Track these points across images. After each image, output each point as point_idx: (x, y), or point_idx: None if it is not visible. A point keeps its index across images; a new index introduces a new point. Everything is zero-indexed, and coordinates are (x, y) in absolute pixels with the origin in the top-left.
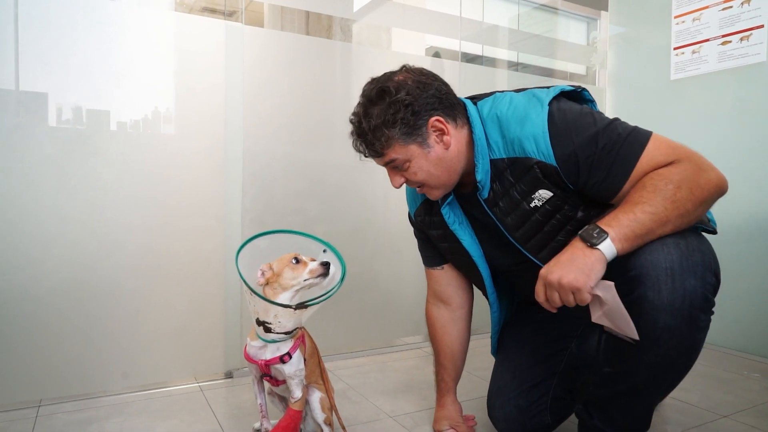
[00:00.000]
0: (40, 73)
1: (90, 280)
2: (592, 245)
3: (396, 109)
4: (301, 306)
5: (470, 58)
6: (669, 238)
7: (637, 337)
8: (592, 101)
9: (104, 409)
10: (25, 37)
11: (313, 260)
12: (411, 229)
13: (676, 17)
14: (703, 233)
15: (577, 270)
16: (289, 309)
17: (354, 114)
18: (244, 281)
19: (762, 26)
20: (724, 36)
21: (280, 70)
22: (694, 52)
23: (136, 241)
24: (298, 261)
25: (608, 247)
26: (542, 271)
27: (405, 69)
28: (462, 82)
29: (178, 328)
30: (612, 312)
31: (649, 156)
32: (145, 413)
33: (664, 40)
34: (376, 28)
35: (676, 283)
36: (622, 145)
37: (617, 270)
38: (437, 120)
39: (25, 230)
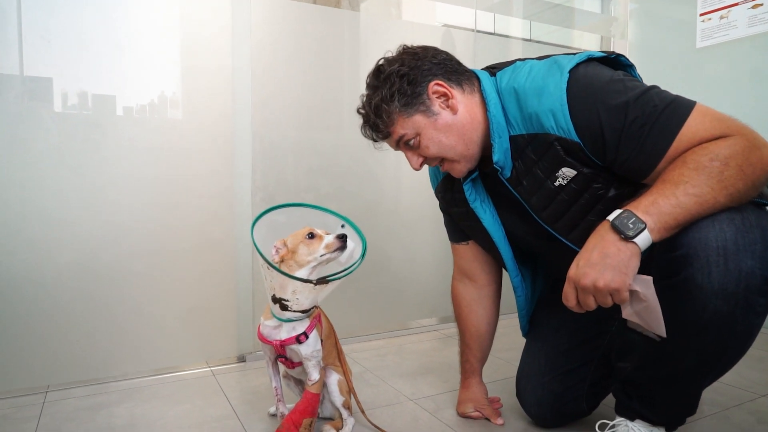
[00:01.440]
0: (45, 57)
1: (97, 263)
2: (627, 238)
3: (392, 82)
4: (322, 281)
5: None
6: (722, 213)
7: (665, 335)
8: (630, 66)
9: (114, 394)
10: (28, 21)
11: (329, 234)
12: (423, 209)
13: None
14: (762, 206)
15: (613, 270)
16: (309, 284)
17: (359, 105)
18: (261, 254)
19: None
20: None
21: (288, 41)
22: (722, 17)
23: (143, 223)
24: (313, 236)
25: (645, 240)
26: (571, 273)
27: (403, 48)
28: (476, 55)
29: (189, 311)
30: (647, 308)
31: (690, 131)
32: (157, 398)
33: (690, 5)
34: None
35: (729, 265)
36: (658, 117)
37: (659, 247)
38: (437, 84)
39: (30, 215)
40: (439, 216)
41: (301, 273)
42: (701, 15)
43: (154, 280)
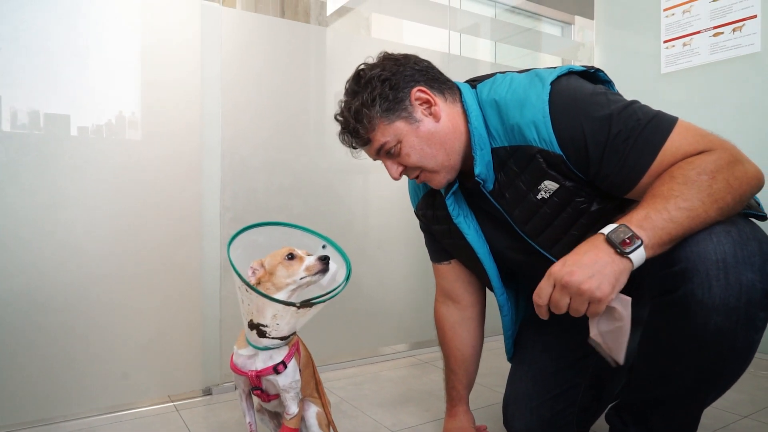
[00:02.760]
0: None
1: (46, 289)
2: (622, 253)
3: (373, 87)
4: (307, 304)
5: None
6: (717, 226)
7: (622, 363)
8: (609, 82)
9: None
10: None
11: (311, 255)
12: (393, 230)
13: (665, 9)
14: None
15: (602, 278)
16: (291, 308)
17: (338, 111)
18: (239, 275)
19: (755, 16)
20: (715, 27)
21: (258, 55)
22: (685, 44)
23: (100, 247)
24: (293, 257)
25: (640, 257)
26: (554, 269)
27: (384, 54)
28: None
29: (149, 340)
30: (617, 330)
31: (673, 146)
32: None
33: (654, 33)
34: (355, 14)
35: (730, 278)
36: (641, 131)
37: (655, 263)
38: (420, 90)
39: None
40: (411, 237)
41: (279, 296)
42: (665, 42)
43: (111, 307)
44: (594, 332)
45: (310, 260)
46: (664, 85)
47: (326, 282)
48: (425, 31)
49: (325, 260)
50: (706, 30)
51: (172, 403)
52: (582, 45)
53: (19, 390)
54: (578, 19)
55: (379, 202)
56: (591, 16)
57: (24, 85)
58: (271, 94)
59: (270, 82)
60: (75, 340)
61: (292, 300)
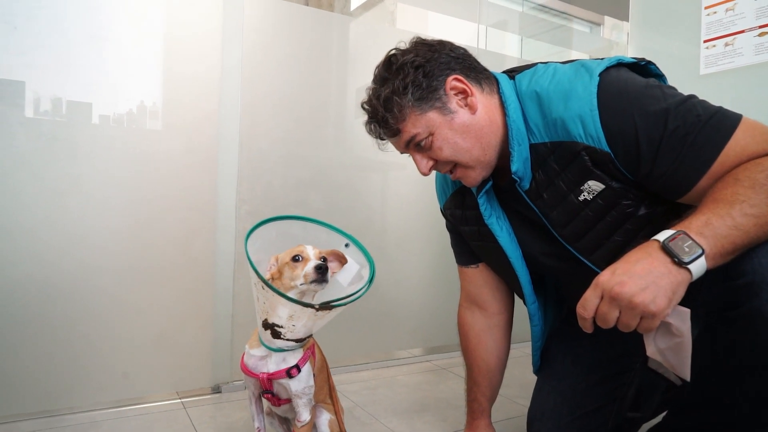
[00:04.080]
0: (18, 60)
1: (54, 278)
2: (681, 263)
3: (405, 73)
4: (326, 306)
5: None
6: None
7: (689, 379)
8: (661, 76)
9: (67, 429)
10: (1, 21)
11: (324, 257)
12: (413, 228)
13: (707, 7)
14: None
15: (658, 290)
16: (310, 309)
17: (365, 99)
18: (256, 271)
19: None
20: (761, 27)
21: (281, 44)
22: (727, 44)
23: (112, 236)
24: (298, 259)
25: (700, 267)
26: (602, 279)
27: (417, 39)
28: None
29: (159, 335)
30: (677, 346)
31: (738, 145)
32: None
33: (693, 32)
34: (380, 9)
35: None
36: (701, 128)
37: (714, 274)
38: (455, 79)
39: None
40: (431, 237)
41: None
42: (705, 42)
43: (120, 300)
44: (651, 350)
45: (308, 267)
46: (702, 87)
47: (347, 282)
48: (452, 23)
49: (320, 270)
50: (750, 29)
51: (179, 400)
52: (615, 43)
53: (23, 381)
54: (608, 19)
55: (398, 199)
56: (622, 16)
57: (48, 72)
58: (292, 85)
59: (291, 74)
60: (82, 332)
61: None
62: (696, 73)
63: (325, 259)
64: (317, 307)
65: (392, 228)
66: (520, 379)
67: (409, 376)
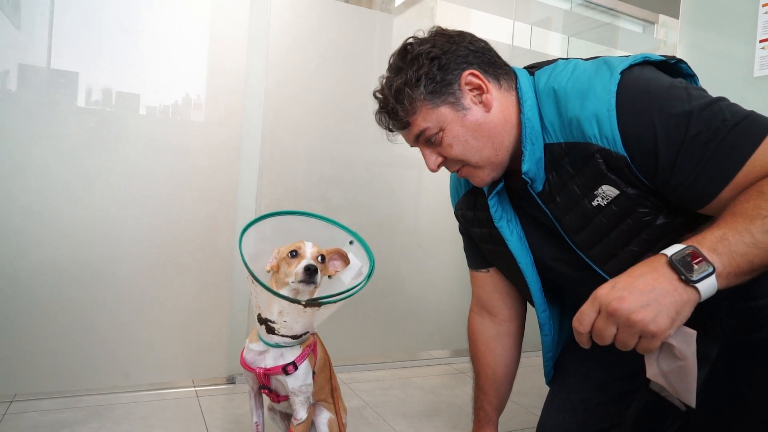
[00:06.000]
0: (73, 52)
1: (78, 262)
2: (688, 281)
3: (419, 64)
4: (313, 303)
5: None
6: None
7: (693, 405)
8: (692, 76)
9: (83, 410)
10: (59, 14)
11: (323, 255)
12: (444, 229)
13: (764, 5)
14: None
15: (660, 308)
16: (297, 306)
17: (377, 88)
18: (246, 264)
19: None
20: None
21: (310, 39)
22: None
23: (135, 228)
24: (295, 254)
25: (710, 287)
26: (601, 293)
27: (437, 29)
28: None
29: (178, 323)
30: (680, 370)
31: (766, 155)
32: (128, 419)
33: (748, 31)
34: (421, 6)
35: None
36: (727, 134)
37: (732, 294)
38: (472, 74)
39: (12, 207)
40: (458, 237)
41: (284, 292)
42: (761, 41)
43: (144, 287)
44: (652, 372)
45: (299, 266)
46: (756, 89)
47: (349, 279)
48: (492, 21)
49: (309, 271)
50: None
51: (194, 388)
52: (663, 43)
53: (45, 360)
54: (662, 17)
55: (424, 197)
56: (676, 15)
57: (101, 64)
58: (323, 80)
59: (322, 69)
60: (105, 317)
61: (299, 297)
62: (750, 74)
63: (323, 258)
64: (304, 303)
65: (418, 227)
66: (539, 388)
67: (425, 378)
